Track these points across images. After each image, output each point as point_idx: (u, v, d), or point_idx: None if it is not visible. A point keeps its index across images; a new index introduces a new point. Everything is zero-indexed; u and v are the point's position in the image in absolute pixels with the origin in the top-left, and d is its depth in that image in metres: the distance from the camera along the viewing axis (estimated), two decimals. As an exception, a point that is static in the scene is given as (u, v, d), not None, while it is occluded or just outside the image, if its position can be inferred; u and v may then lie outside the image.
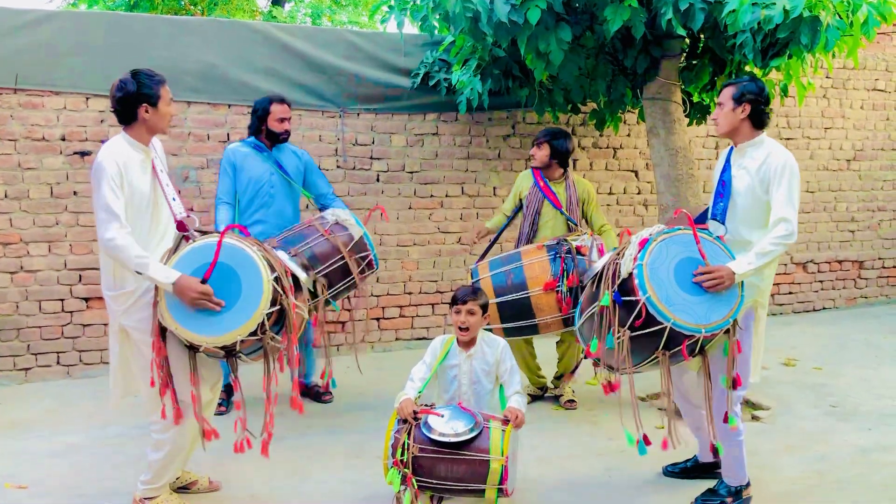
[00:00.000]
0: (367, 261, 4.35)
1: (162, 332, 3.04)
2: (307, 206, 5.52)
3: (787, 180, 3.22)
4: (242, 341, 2.99)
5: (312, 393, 5.08)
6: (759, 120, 3.37)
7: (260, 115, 4.81)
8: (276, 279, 3.07)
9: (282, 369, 3.18)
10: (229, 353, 3.09)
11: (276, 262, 3.16)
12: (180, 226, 3.20)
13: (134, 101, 3.16)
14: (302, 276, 3.40)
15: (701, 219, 3.55)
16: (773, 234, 3.16)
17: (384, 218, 6.15)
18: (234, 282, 2.99)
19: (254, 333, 2.99)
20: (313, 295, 4.09)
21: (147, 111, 3.18)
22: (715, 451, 3.42)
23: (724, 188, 3.39)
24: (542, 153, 4.86)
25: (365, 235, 4.32)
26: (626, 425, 3.14)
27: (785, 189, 3.21)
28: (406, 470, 3.02)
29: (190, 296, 2.93)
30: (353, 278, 4.25)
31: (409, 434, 3.06)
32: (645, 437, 3.13)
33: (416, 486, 3.04)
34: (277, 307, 3.06)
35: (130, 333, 3.17)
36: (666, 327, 2.94)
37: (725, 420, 3.20)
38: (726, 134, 3.44)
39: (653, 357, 3.10)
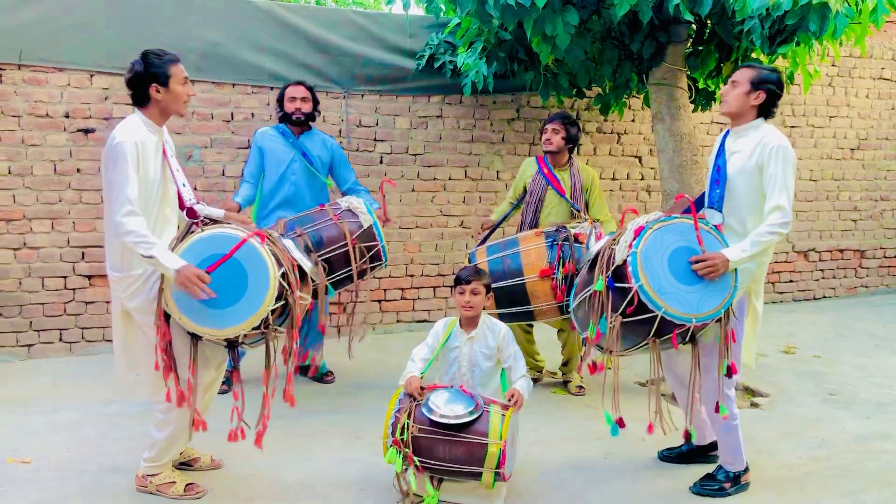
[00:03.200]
0: (373, 251, 4.26)
1: (166, 316, 3.05)
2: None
3: (781, 165, 3.16)
4: (245, 335, 3.01)
5: (315, 373, 5.10)
6: (767, 110, 3.32)
7: (279, 100, 4.86)
8: (283, 275, 3.06)
9: (285, 363, 3.19)
10: (231, 343, 3.11)
11: (283, 255, 3.14)
12: (190, 212, 3.20)
13: (143, 81, 3.12)
14: (307, 265, 3.39)
15: (698, 204, 3.54)
16: (768, 222, 3.13)
17: (392, 185, 6.11)
18: (241, 276, 2.98)
19: (257, 327, 3.01)
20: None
21: (158, 91, 3.13)
22: (688, 436, 3.44)
23: (719, 174, 3.35)
24: (558, 138, 4.80)
25: (375, 225, 4.25)
26: (607, 407, 3.19)
27: (780, 175, 3.16)
28: (407, 449, 3.04)
29: (187, 285, 2.89)
30: (353, 269, 4.18)
31: (409, 414, 3.08)
32: (620, 420, 3.17)
33: (418, 465, 3.06)
34: (282, 302, 3.06)
35: (134, 316, 3.17)
36: (657, 315, 2.96)
37: (717, 410, 3.22)
38: (731, 114, 3.37)
39: (644, 343, 3.12)
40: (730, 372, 3.19)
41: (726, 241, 3.13)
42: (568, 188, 4.85)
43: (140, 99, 3.16)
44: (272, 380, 3.15)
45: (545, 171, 4.87)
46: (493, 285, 4.29)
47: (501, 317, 4.40)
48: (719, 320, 3.11)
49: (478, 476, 3.08)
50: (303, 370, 5.09)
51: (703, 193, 3.52)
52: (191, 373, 3.09)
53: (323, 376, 5.07)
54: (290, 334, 3.14)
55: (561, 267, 4.26)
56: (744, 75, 3.33)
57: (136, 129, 3.08)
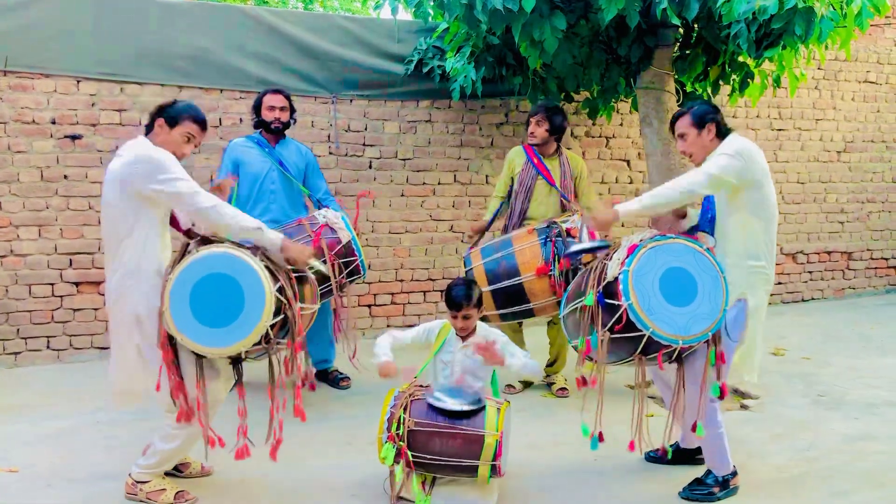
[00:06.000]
0: (352, 266, 4.28)
1: (170, 337, 3.05)
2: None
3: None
4: (247, 350, 3.02)
5: (330, 378, 5.08)
6: (720, 132, 3.42)
7: (255, 107, 4.82)
8: (280, 289, 3.06)
9: (287, 373, 3.17)
10: (235, 360, 3.13)
11: (278, 269, 3.14)
12: (188, 233, 3.26)
13: (158, 112, 3.26)
14: (321, 267, 3.40)
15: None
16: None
17: (370, 197, 6.15)
18: (237, 293, 2.97)
19: (258, 343, 3.01)
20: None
21: (161, 126, 3.23)
22: (664, 452, 3.46)
23: (707, 199, 3.45)
24: (541, 130, 4.81)
25: (353, 241, 4.27)
26: (587, 420, 3.17)
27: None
28: (401, 443, 3.05)
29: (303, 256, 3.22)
30: (334, 282, 4.18)
31: (405, 409, 3.09)
32: (600, 435, 3.19)
33: (410, 458, 3.06)
34: (282, 316, 3.06)
35: (145, 324, 3.13)
36: (645, 335, 2.98)
37: (694, 429, 3.24)
38: (702, 160, 3.44)
39: (629, 358, 3.16)
40: (722, 394, 3.21)
41: (720, 264, 3.14)
42: (557, 177, 4.85)
43: (149, 126, 3.28)
44: (278, 392, 3.14)
45: (534, 160, 4.87)
46: (491, 287, 4.32)
47: (502, 317, 4.42)
48: (707, 342, 3.13)
49: (473, 470, 3.08)
50: (319, 375, 5.09)
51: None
52: (199, 391, 3.08)
53: (338, 381, 5.04)
54: (293, 347, 3.13)
55: (556, 263, 4.27)
56: (683, 124, 3.47)
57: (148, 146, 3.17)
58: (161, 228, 3.20)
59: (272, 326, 3.01)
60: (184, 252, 3.12)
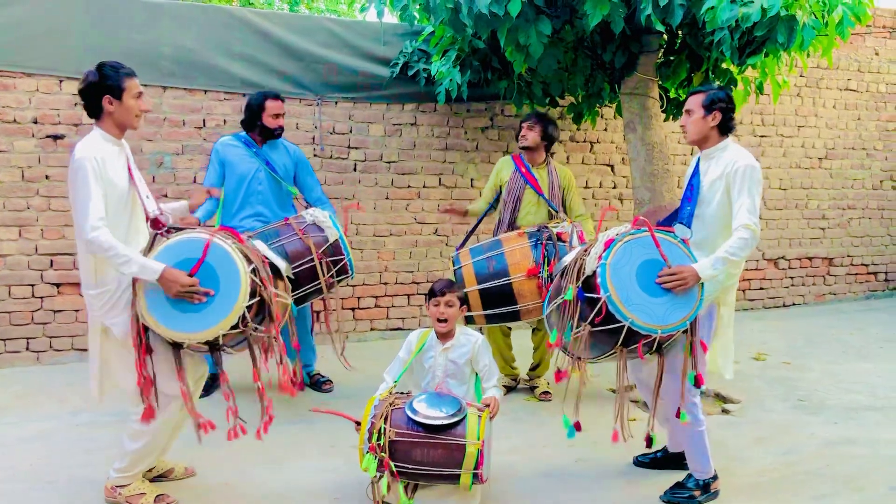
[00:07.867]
0: (340, 265, 4.25)
1: (145, 329, 3.02)
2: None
3: (748, 187, 3.27)
4: (225, 335, 2.99)
5: (313, 382, 5.06)
6: (726, 127, 3.45)
7: (255, 111, 4.74)
8: (254, 270, 3.05)
9: (265, 361, 3.15)
10: (213, 347, 3.08)
11: (252, 252, 3.13)
12: (155, 223, 3.19)
13: (96, 92, 3.13)
14: (281, 264, 3.37)
15: (670, 219, 3.60)
16: (732, 241, 3.21)
17: (361, 210, 6.18)
18: (212, 276, 2.97)
19: (235, 326, 2.98)
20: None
21: (111, 103, 3.14)
22: (650, 441, 3.46)
23: (691, 192, 3.46)
24: (534, 134, 4.82)
25: (341, 239, 4.24)
26: (567, 410, 3.18)
27: (746, 196, 3.27)
28: (383, 454, 3.04)
29: (176, 288, 2.92)
30: (321, 282, 4.17)
31: (385, 419, 3.08)
32: (577, 424, 3.19)
33: (393, 471, 3.05)
34: (257, 298, 3.04)
35: (113, 332, 3.13)
36: (624, 326, 3.00)
37: (677, 415, 3.26)
38: (695, 142, 3.51)
39: (612, 351, 3.17)
40: (697, 382, 3.23)
41: (694, 256, 3.18)
42: (546, 187, 4.86)
43: (93, 110, 3.16)
44: (264, 376, 3.13)
45: (522, 169, 4.87)
46: (479, 287, 4.32)
47: (487, 318, 4.42)
48: (686, 331, 3.15)
49: (455, 479, 3.08)
50: (305, 382, 5.07)
51: (675, 210, 3.60)
52: (180, 380, 3.05)
53: (321, 385, 5.04)
54: (270, 329, 3.11)
55: (546, 266, 4.28)
56: (694, 102, 3.47)
57: (96, 144, 3.08)
58: (123, 226, 3.11)
59: (248, 308, 2.99)
60: (152, 242, 3.09)
